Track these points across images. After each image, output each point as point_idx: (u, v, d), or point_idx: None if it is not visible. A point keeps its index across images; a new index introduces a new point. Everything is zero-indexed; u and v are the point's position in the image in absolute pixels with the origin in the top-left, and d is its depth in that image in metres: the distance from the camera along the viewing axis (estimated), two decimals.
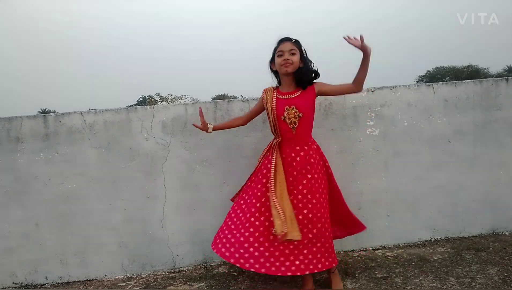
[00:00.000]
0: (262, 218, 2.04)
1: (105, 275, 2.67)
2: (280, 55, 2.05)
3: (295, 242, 1.98)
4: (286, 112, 2.06)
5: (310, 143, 2.13)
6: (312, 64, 2.11)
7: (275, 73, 2.17)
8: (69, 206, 2.62)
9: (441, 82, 2.71)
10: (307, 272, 2.01)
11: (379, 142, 2.67)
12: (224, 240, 2.10)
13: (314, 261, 2.02)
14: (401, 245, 2.72)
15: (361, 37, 1.87)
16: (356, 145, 2.66)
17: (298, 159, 2.08)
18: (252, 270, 1.95)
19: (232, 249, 2.02)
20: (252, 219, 2.06)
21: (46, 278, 2.66)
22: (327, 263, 2.06)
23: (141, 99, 43.11)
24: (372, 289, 2.14)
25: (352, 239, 2.53)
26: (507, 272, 2.18)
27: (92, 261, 2.66)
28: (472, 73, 36.28)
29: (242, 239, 2.01)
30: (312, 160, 2.09)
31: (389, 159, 2.69)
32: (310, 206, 2.03)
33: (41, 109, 46.03)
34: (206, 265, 2.69)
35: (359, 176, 2.67)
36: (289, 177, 2.08)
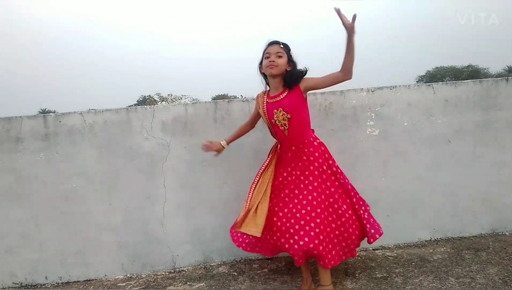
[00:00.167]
0: None
1: (105, 275, 2.67)
2: (267, 57, 2.06)
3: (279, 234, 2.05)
4: (275, 116, 2.08)
5: (307, 142, 2.10)
6: (304, 69, 2.08)
7: (264, 75, 2.18)
8: (69, 206, 2.62)
9: (441, 82, 2.71)
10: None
11: (379, 142, 2.67)
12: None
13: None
14: (401, 245, 2.72)
15: (354, 16, 1.84)
16: (356, 145, 2.66)
17: (293, 158, 2.11)
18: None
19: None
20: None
21: (46, 278, 2.66)
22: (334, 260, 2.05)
23: (141, 99, 43.09)
24: (372, 289, 2.14)
25: None
26: (507, 272, 2.18)
27: (92, 261, 2.66)
28: (472, 73, 36.28)
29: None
30: (305, 157, 2.08)
31: (389, 159, 2.69)
32: (290, 201, 2.07)
33: (41, 109, 46.03)
34: (206, 265, 2.69)
35: (359, 176, 2.67)
36: (283, 175, 2.14)
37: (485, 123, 2.71)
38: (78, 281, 2.66)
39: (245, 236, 2.22)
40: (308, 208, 1.99)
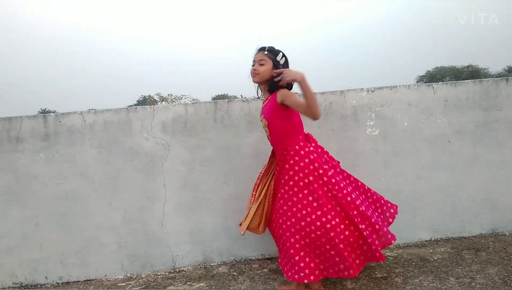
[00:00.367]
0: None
1: (105, 275, 2.67)
2: (252, 65, 2.09)
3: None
4: (261, 121, 2.15)
5: (290, 149, 2.03)
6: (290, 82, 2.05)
7: None
8: (69, 206, 2.62)
9: (441, 82, 2.71)
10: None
11: (379, 142, 2.68)
12: None
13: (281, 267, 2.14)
14: (401, 245, 2.72)
15: (280, 72, 1.95)
16: (356, 145, 2.66)
17: (280, 164, 2.12)
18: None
19: None
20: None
21: (46, 278, 2.66)
22: (289, 274, 2.00)
23: (141, 99, 43.11)
24: (372, 289, 2.14)
25: None
26: (507, 272, 2.18)
27: (92, 261, 2.66)
28: (472, 73, 36.29)
29: None
30: (287, 166, 2.03)
31: (389, 158, 2.69)
32: (278, 209, 2.09)
33: (41, 109, 46.05)
34: (206, 265, 2.69)
35: (359, 176, 2.65)
36: (279, 177, 2.15)
37: (485, 123, 2.71)
38: (78, 281, 2.66)
39: None
40: (288, 223, 2.02)
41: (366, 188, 2.22)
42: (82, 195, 2.63)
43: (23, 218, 2.61)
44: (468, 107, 2.69)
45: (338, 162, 2.24)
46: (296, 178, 2.00)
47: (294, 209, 2.00)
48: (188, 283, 2.45)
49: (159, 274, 2.65)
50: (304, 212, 1.97)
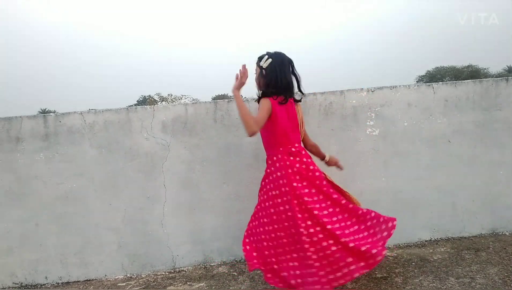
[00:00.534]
0: None
1: (105, 275, 2.67)
2: None
3: None
4: None
5: (268, 158, 2.08)
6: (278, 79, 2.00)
7: None
8: (69, 206, 2.62)
9: (441, 82, 2.71)
10: None
11: (379, 142, 2.68)
12: None
13: None
14: (401, 245, 2.72)
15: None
16: (356, 145, 2.66)
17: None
18: None
19: None
20: None
21: (46, 278, 2.66)
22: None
23: (141, 99, 43.10)
24: (372, 289, 2.14)
25: None
26: (507, 272, 2.18)
27: (92, 261, 2.66)
28: (472, 73, 36.28)
29: None
30: (265, 173, 2.08)
31: (389, 159, 2.69)
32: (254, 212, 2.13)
33: (41, 109, 46.04)
34: (206, 265, 2.69)
35: (359, 176, 2.67)
36: None
37: (485, 123, 2.71)
38: (78, 281, 2.66)
39: None
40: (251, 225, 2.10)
41: (360, 212, 2.03)
42: (82, 195, 2.63)
43: (23, 218, 2.61)
44: (468, 107, 2.69)
45: (330, 183, 2.06)
46: (268, 187, 2.04)
47: (260, 213, 2.05)
48: (188, 283, 2.45)
49: (159, 274, 2.65)
50: (263, 220, 2.03)
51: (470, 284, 2.08)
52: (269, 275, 1.99)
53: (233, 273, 2.53)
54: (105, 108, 2.64)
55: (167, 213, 2.65)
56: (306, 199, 1.93)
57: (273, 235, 1.99)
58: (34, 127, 2.59)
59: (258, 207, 2.09)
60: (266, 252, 2.00)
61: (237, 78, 2.00)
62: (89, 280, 2.66)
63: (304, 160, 2.04)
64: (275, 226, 1.98)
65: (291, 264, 1.94)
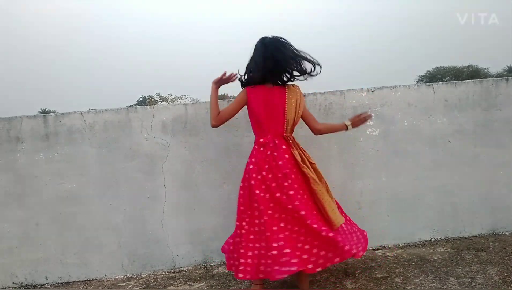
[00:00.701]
0: None
1: (105, 275, 2.67)
2: None
3: None
4: None
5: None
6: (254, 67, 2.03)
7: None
8: (69, 206, 2.62)
9: (441, 82, 2.71)
10: None
11: (379, 142, 2.67)
12: None
13: None
14: (401, 245, 2.72)
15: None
16: (356, 144, 2.66)
17: None
18: None
19: None
20: None
21: (46, 278, 2.66)
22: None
23: (141, 99, 43.08)
24: (372, 289, 2.14)
25: None
26: (507, 272, 2.18)
27: (92, 261, 2.66)
28: (472, 73, 36.26)
29: None
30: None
31: (389, 158, 2.69)
32: None
33: (41, 109, 46.02)
34: (206, 265, 2.69)
35: (359, 176, 2.67)
36: None
37: (485, 123, 2.70)
38: (78, 281, 2.66)
39: None
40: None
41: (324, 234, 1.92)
42: (82, 195, 2.63)
43: (23, 218, 2.61)
44: (468, 107, 2.69)
45: (298, 188, 1.98)
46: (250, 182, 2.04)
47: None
48: (188, 283, 2.45)
49: (159, 274, 2.65)
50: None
51: (470, 284, 2.08)
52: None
53: (233, 273, 2.53)
54: (105, 108, 2.64)
55: (167, 213, 2.65)
56: (257, 191, 1.95)
57: (237, 223, 2.06)
58: (34, 127, 2.59)
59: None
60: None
61: (223, 75, 2.03)
62: (89, 280, 2.66)
63: (269, 153, 1.97)
64: (241, 208, 2.05)
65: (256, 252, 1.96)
